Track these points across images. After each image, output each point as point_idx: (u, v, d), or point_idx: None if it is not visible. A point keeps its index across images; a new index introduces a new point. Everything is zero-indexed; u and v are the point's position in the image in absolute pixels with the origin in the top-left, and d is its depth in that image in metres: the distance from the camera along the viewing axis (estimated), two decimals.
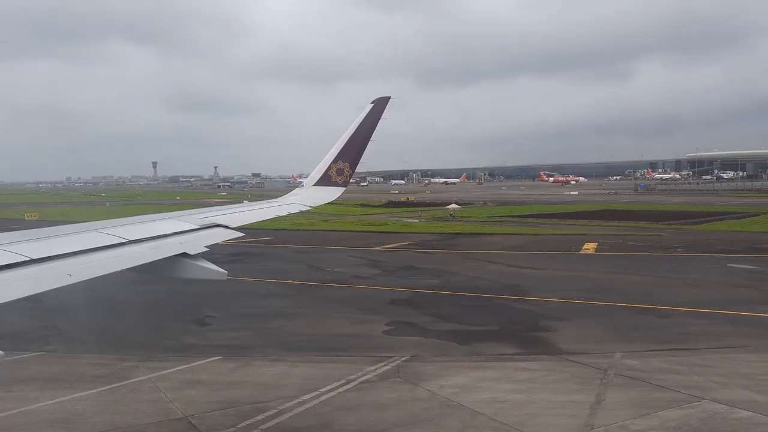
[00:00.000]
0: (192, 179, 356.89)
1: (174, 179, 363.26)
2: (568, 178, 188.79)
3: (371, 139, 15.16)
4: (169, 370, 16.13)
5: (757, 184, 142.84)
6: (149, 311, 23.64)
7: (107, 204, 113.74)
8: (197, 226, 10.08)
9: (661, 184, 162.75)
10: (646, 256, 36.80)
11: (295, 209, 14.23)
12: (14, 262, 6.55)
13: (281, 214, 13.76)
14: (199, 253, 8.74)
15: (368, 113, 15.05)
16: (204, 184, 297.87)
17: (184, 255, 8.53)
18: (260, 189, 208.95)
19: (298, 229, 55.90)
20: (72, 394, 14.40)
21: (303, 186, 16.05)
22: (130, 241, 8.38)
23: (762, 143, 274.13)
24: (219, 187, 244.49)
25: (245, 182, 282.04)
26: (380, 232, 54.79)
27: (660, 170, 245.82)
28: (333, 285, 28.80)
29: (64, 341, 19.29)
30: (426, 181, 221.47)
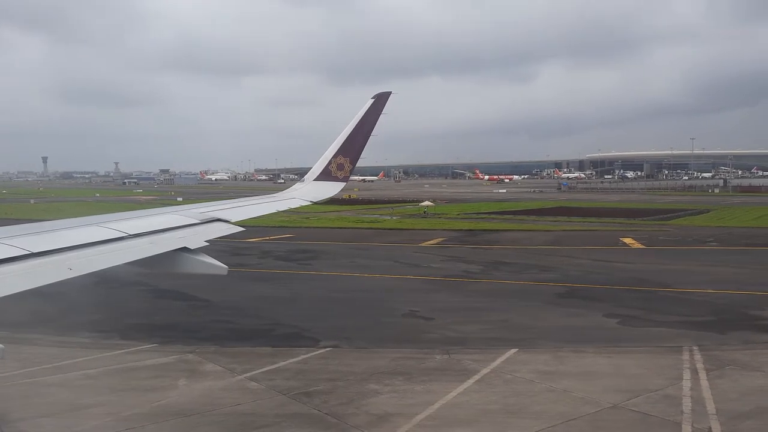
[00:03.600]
0: (88, 175, 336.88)
1: (67, 175, 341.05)
2: (502, 177, 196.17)
3: (372, 134, 15.59)
4: (496, 362, 16.14)
5: (671, 183, 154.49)
6: (341, 307, 23.57)
7: (31, 201, 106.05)
8: (197, 221, 10.23)
9: (580, 183, 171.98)
10: (702, 250, 39.13)
11: (296, 204, 14.53)
12: (15, 255, 6.59)
13: (282, 209, 13.97)
14: (199, 248, 8.87)
15: (369, 108, 15.46)
16: (104, 181, 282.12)
17: (185, 249, 8.67)
18: (171, 185, 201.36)
19: (301, 226, 54.90)
20: (453, 388, 14.22)
21: (304, 181, 16.32)
22: (130, 235, 8.50)
23: (656, 144, 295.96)
24: (124, 183, 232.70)
25: (152, 178, 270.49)
26: (389, 229, 54.76)
27: (565, 170, 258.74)
28: (461, 280, 29.05)
29: (330, 338, 18.82)
30: None
